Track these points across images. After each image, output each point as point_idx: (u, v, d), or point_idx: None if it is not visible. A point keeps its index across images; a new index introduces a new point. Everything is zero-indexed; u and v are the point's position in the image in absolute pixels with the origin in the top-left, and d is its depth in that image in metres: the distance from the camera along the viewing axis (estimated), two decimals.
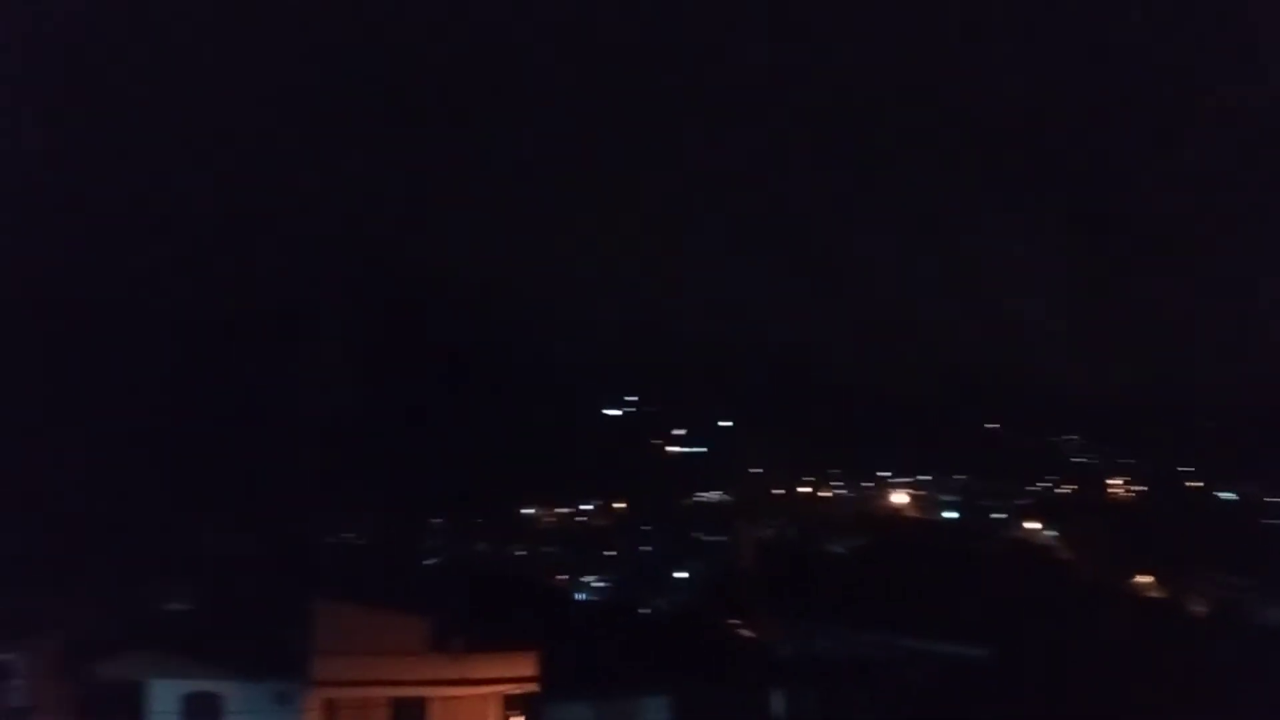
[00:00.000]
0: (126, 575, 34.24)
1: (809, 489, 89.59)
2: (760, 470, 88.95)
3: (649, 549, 71.86)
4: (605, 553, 71.40)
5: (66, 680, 28.41)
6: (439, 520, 72.78)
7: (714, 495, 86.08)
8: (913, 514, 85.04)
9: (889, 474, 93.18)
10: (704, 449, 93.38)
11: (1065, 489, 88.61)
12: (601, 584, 65.02)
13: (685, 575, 65.25)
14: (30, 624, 27.26)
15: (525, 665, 29.20)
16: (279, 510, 57.88)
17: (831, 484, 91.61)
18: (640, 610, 48.49)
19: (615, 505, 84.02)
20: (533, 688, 28.38)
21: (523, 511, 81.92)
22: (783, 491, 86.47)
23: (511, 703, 30.19)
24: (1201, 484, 79.37)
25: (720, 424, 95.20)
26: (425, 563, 57.92)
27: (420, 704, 29.99)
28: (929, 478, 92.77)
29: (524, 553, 71.06)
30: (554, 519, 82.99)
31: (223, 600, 34.46)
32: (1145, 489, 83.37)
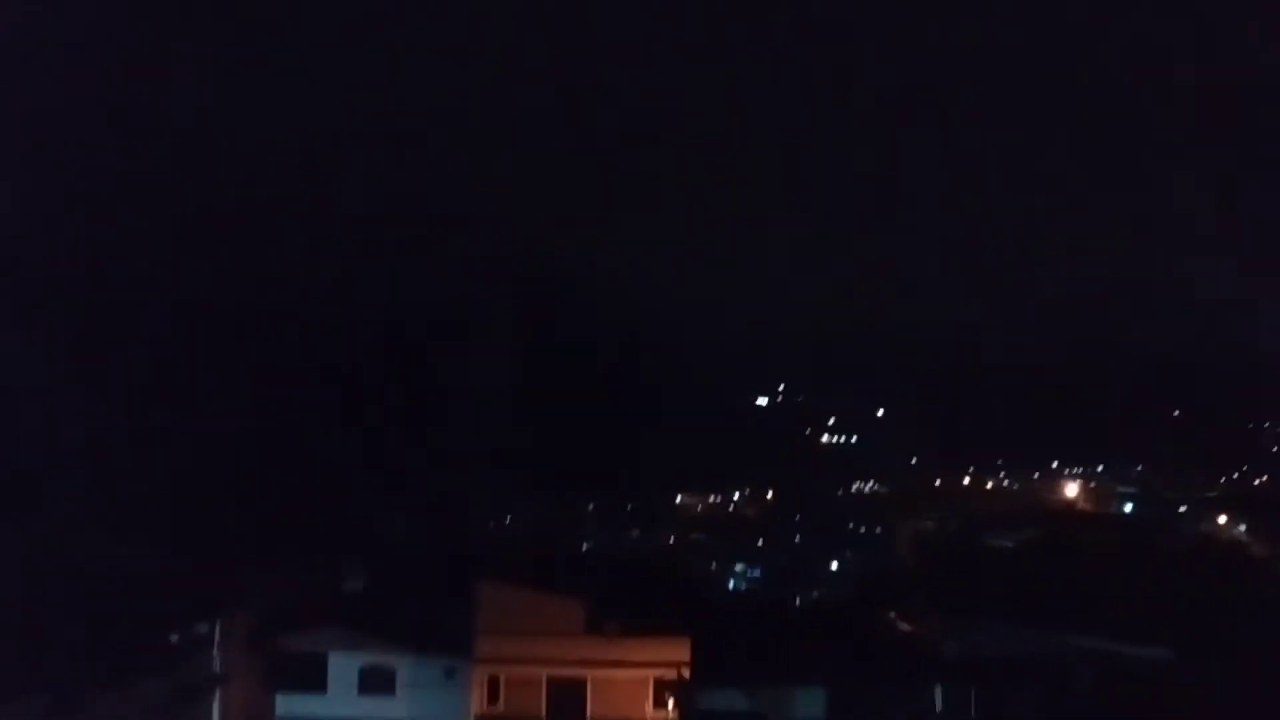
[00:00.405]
0: (311, 557, 36.64)
1: (971, 480, 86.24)
2: (918, 460, 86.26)
3: (801, 540, 70.99)
4: (756, 542, 71.06)
5: (257, 651, 30.81)
6: (593, 507, 74.46)
7: (869, 486, 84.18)
8: (1086, 507, 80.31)
9: (1059, 464, 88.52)
10: (857, 438, 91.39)
11: (1260, 481, 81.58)
12: (753, 573, 64.79)
13: (838, 567, 64.13)
14: (227, 599, 29.55)
15: (678, 650, 29.47)
16: (448, 498, 60.89)
17: (996, 475, 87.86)
18: (794, 601, 48.02)
19: (766, 495, 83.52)
20: (685, 673, 28.63)
21: (675, 500, 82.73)
22: (942, 482, 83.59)
23: (664, 686, 30.60)
24: None
25: (875, 413, 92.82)
26: (582, 548, 59.33)
27: (578, 684, 30.86)
28: (1104, 469, 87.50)
29: (675, 540, 71.66)
30: (705, 508, 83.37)
31: (396, 581, 36.39)
32: None
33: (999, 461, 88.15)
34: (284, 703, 31.03)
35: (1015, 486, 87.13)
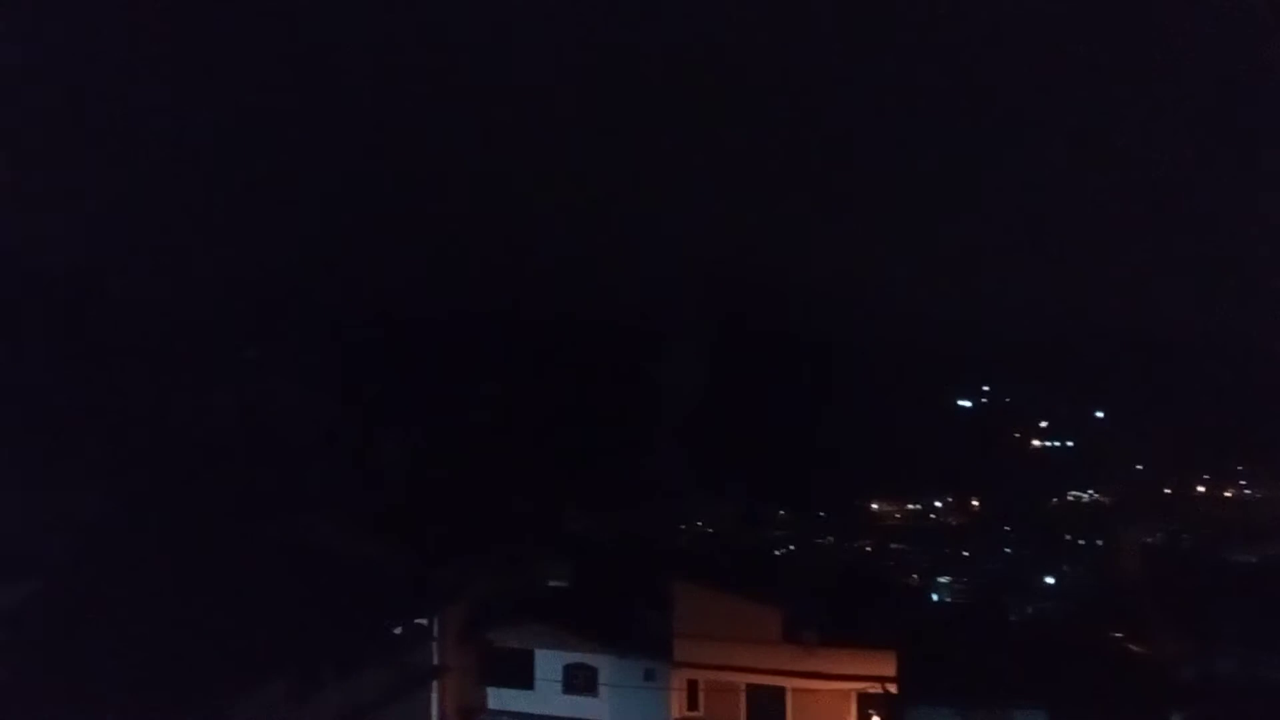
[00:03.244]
0: (520, 555, 38.18)
1: (1207, 489, 78.31)
2: (1143, 467, 79.30)
3: (1011, 551, 66.94)
4: (962, 553, 67.64)
5: (471, 645, 32.35)
6: (783, 512, 73.33)
7: (1087, 494, 78.30)
8: None
9: None
10: (1073, 442, 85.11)
11: None
12: (958, 586, 61.66)
13: (1054, 582, 59.94)
14: (444, 595, 31.23)
15: (883, 664, 28.42)
16: (644, 499, 62.06)
17: (1236, 483, 79.36)
18: (1007, 616, 45.26)
19: (971, 503, 79.46)
20: (890, 688, 27.52)
21: (871, 506, 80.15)
22: (1172, 491, 76.38)
23: (868, 701, 29.57)
24: None
25: (1093, 414, 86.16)
26: (776, 553, 58.61)
27: (777, 693, 30.37)
28: None
29: (871, 549, 69.39)
30: (904, 515, 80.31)
31: (597, 580, 37.25)
32: None
33: (1239, 468, 79.50)
34: (495, 696, 32.43)
35: (1259, 496, 78.30)
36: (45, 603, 24.90)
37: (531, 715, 31.86)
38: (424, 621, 29.94)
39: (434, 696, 30.32)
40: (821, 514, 73.94)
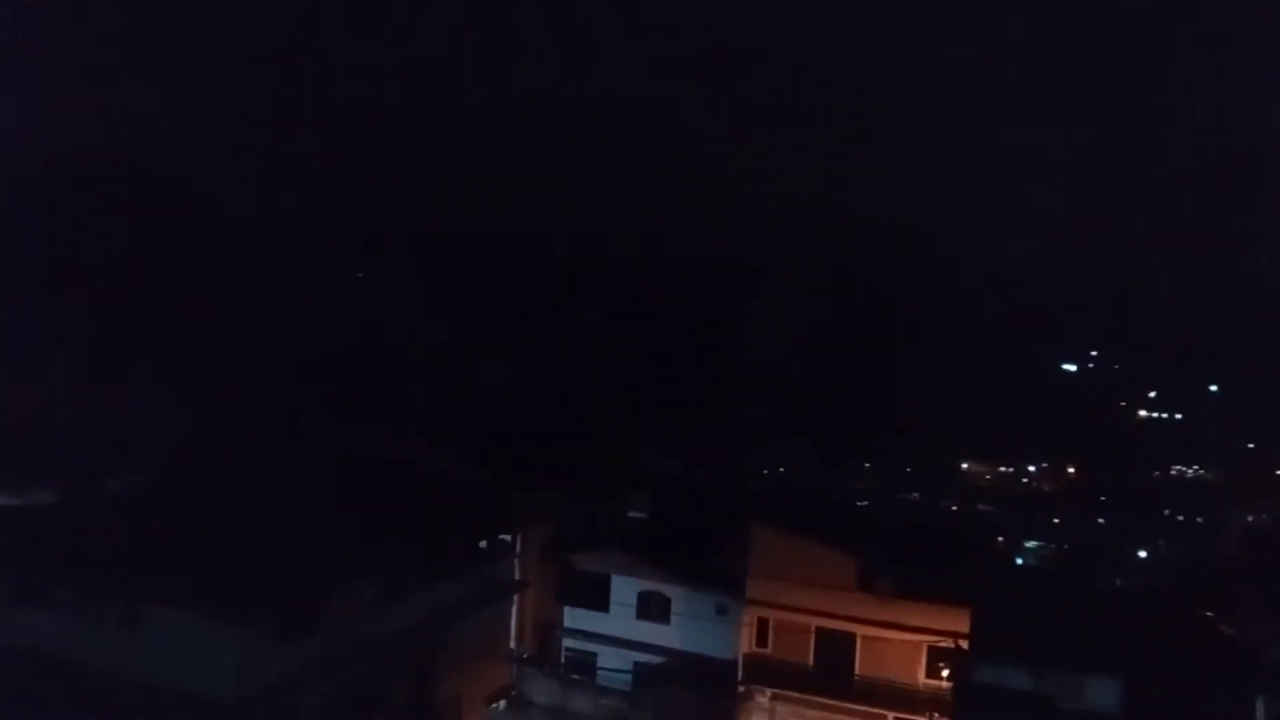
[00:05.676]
0: (602, 484, 39.14)
1: None
2: (1256, 446, 75.56)
3: (1106, 522, 65.00)
4: (1052, 520, 66.01)
5: (551, 565, 33.52)
6: (869, 465, 72.72)
7: (1192, 470, 75.17)
8: None
9: None
10: (1182, 415, 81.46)
11: None
12: (1044, 552, 60.39)
13: (1148, 556, 58.12)
14: (528, 516, 32.35)
15: (957, 620, 28.29)
16: (730, 440, 62.48)
17: None
18: (1093, 584, 44.20)
19: (1067, 470, 77.26)
20: (963, 644, 27.40)
21: (960, 467, 78.76)
22: None
23: (939, 655, 29.56)
24: None
25: (1205, 388, 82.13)
26: (858, 504, 58.36)
27: (847, 639, 30.63)
28: None
29: (958, 509, 68.31)
30: (995, 478, 78.75)
31: (675, 514, 37.96)
32: None
33: None
34: (570, 615, 33.61)
35: None
36: (151, 497, 26.84)
37: (605, 636, 32.91)
38: (508, 538, 31.05)
39: (514, 609, 31.60)
40: (908, 469, 73.06)
